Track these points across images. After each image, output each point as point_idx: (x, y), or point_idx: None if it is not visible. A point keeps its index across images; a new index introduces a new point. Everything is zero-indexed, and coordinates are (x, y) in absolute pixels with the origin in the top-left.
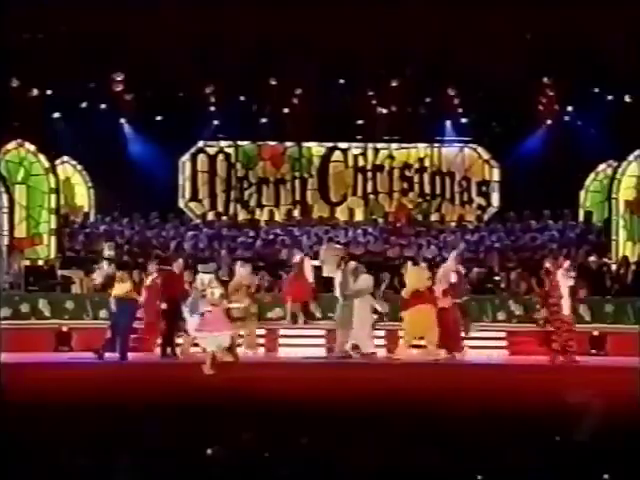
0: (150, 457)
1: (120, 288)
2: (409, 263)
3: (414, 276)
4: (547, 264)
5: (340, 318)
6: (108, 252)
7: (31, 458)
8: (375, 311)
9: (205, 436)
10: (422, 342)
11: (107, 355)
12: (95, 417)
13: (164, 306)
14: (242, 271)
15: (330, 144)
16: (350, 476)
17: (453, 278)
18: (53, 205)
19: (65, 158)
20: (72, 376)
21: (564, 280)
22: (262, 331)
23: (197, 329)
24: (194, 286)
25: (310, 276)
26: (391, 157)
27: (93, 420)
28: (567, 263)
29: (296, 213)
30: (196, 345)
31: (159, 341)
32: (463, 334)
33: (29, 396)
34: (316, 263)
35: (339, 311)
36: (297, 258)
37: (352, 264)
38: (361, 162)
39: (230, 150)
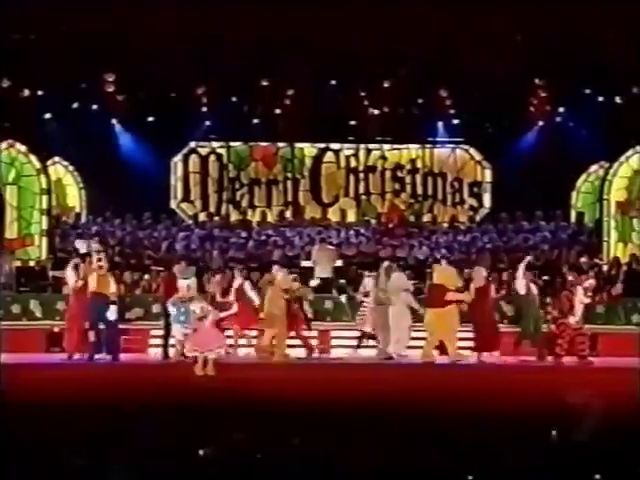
0: (145, 457)
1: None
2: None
3: (442, 275)
4: (570, 277)
5: (375, 319)
6: (95, 245)
7: (27, 459)
8: (413, 311)
9: (199, 437)
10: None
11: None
12: (91, 417)
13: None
14: (280, 275)
15: (322, 145)
16: (347, 477)
17: (522, 290)
18: (44, 206)
19: (56, 159)
20: (66, 377)
21: (581, 297)
22: (254, 332)
23: (192, 347)
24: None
25: (255, 299)
26: (383, 158)
27: (89, 420)
28: (589, 282)
29: (288, 214)
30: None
31: (159, 342)
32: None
33: (25, 396)
34: (308, 264)
35: (373, 312)
36: (236, 284)
37: (385, 263)
38: (353, 163)
39: (222, 151)
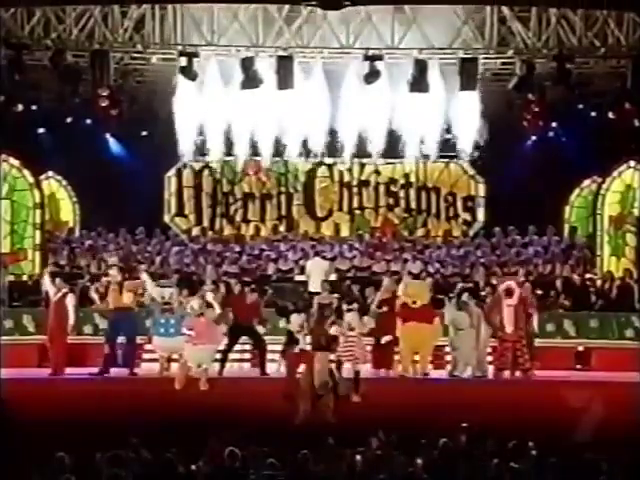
0: (146, 470)
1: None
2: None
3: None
4: (493, 280)
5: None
6: (112, 259)
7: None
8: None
9: (195, 451)
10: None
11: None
12: (91, 433)
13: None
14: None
15: (316, 159)
16: None
17: None
18: (38, 220)
19: (50, 173)
20: (57, 391)
21: (504, 299)
22: (248, 346)
23: (186, 341)
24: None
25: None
26: (377, 172)
27: (90, 436)
28: (505, 284)
29: (282, 228)
30: (171, 360)
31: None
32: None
33: (24, 412)
34: (302, 278)
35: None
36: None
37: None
38: (347, 177)
39: (215, 165)
